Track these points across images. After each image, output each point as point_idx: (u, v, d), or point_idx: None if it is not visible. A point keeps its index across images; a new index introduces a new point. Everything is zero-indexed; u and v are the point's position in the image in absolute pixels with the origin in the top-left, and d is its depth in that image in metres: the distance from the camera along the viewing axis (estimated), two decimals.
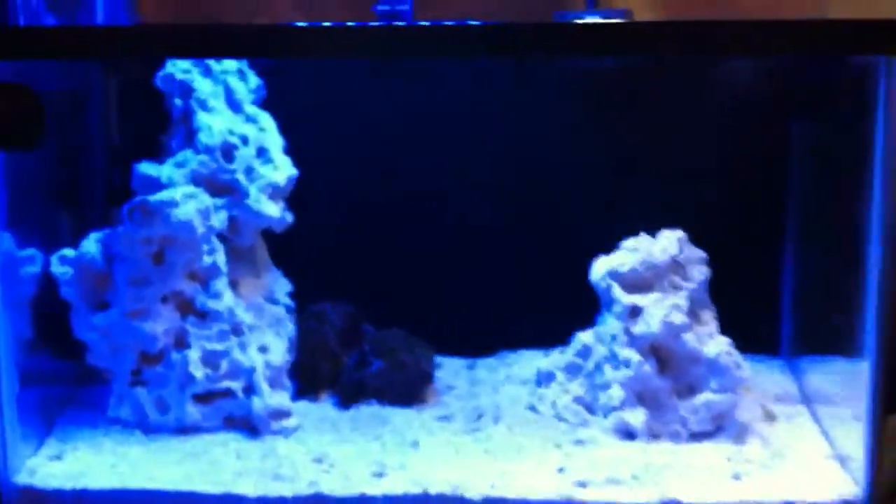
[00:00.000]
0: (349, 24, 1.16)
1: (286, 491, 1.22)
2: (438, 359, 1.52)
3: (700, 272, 1.40)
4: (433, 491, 1.22)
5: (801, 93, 1.50)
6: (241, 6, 1.56)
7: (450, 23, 1.15)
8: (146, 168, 1.40)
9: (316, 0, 1.57)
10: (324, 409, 1.44)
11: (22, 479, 1.25)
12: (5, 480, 1.24)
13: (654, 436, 1.35)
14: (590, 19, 1.30)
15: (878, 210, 1.15)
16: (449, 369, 1.55)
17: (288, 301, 1.48)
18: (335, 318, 1.51)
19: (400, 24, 1.25)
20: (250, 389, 1.37)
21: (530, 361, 1.55)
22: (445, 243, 1.58)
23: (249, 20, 1.57)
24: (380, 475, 1.26)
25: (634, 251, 1.40)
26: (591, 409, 1.40)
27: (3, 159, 1.22)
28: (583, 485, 1.23)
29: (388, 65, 1.51)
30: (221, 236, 1.40)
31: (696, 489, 1.22)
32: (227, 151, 1.41)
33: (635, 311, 1.37)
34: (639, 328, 1.36)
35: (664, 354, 1.37)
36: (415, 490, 1.22)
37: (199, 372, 1.35)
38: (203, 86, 1.42)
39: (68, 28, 1.30)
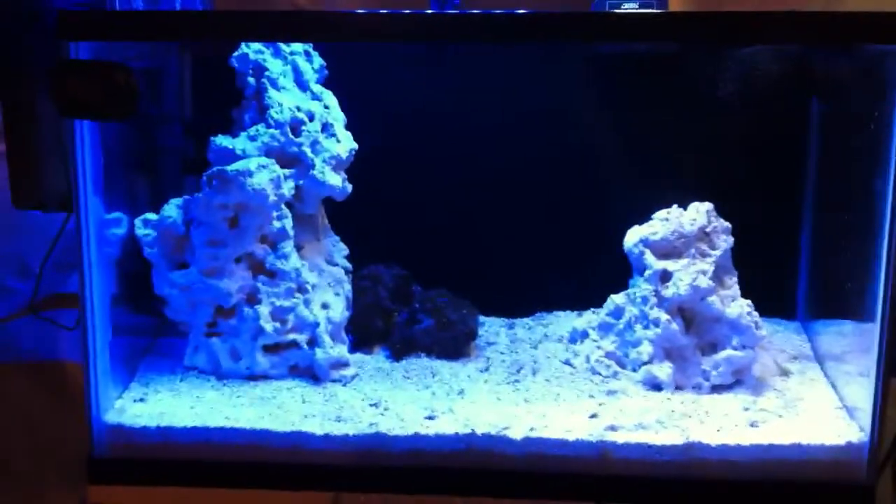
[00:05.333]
0: (405, 11, 1.19)
1: (349, 430, 1.29)
2: (481, 318, 1.55)
3: (725, 241, 1.43)
4: (479, 431, 1.28)
5: (822, 74, 1.49)
6: None
7: (498, 11, 1.18)
8: (222, 140, 1.43)
9: None
10: (377, 360, 1.49)
11: (111, 417, 1.31)
12: (97, 418, 1.30)
13: (678, 387, 1.39)
14: (628, 6, 1.31)
15: (891, 186, 1.18)
16: (490, 328, 1.58)
17: (345, 263, 1.53)
18: (387, 279, 1.55)
19: (452, 11, 1.27)
20: (313, 342, 1.43)
21: (565, 322, 1.59)
22: (489, 214, 1.59)
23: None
24: (431, 418, 1.31)
25: (666, 221, 1.45)
26: (621, 364, 1.44)
27: (98, 130, 1.25)
28: (613, 429, 1.28)
29: (440, 49, 1.52)
30: (288, 204, 1.44)
31: (715, 434, 1.27)
32: (295, 126, 1.44)
33: (665, 276, 1.42)
34: (668, 291, 1.41)
35: (690, 315, 1.42)
36: (463, 430, 1.28)
37: (268, 325, 1.41)
38: (274, 66, 1.45)
39: (154, 13, 1.31)
